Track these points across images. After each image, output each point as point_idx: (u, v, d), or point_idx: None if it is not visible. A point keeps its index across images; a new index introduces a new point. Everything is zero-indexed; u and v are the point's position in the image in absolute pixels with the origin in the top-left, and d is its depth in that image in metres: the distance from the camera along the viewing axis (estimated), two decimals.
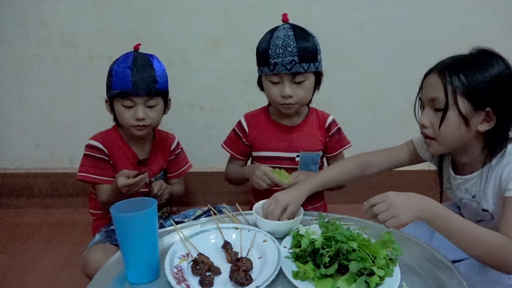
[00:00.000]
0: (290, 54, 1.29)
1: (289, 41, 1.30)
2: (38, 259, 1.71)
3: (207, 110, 2.12)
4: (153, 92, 1.37)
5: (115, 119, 1.46)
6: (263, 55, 1.34)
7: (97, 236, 1.39)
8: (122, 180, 1.26)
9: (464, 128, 0.97)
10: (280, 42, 1.31)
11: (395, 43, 2.02)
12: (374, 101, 2.12)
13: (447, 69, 0.96)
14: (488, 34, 1.96)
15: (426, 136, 1.04)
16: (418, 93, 1.05)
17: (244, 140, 1.52)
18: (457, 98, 0.94)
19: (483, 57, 0.97)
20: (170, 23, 1.98)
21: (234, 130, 1.55)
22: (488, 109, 0.95)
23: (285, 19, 1.39)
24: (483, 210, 1.06)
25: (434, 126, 1.00)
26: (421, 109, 1.06)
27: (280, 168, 1.36)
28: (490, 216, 1.06)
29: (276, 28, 1.36)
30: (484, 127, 0.97)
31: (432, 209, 0.90)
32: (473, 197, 1.08)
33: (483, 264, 0.94)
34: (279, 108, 1.41)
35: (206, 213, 1.49)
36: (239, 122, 1.54)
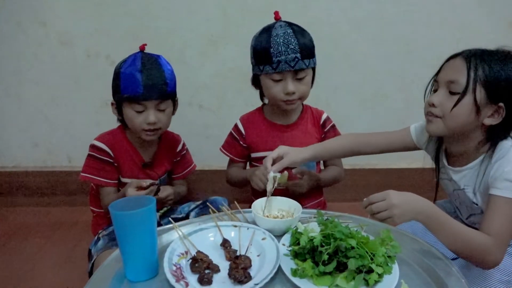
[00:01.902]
0: (292, 51, 1.31)
1: (290, 38, 1.32)
2: (37, 258, 1.71)
3: (205, 109, 2.12)
4: (164, 95, 1.33)
5: (120, 120, 1.43)
6: (264, 54, 1.34)
7: (101, 241, 1.36)
8: (131, 191, 1.26)
9: (474, 116, 0.99)
10: (281, 40, 1.32)
11: (393, 41, 2.02)
12: (372, 99, 2.12)
13: (474, 56, 0.99)
14: (485, 32, 1.96)
15: (430, 114, 1.05)
16: (435, 75, 1.07)
17: (241, 142, 1.53)
18: (477, 85, 0.97)
19: (510, 56, 0.99)
20: (168, 22, 1.98)
21: (231, 133, 1.56)
22: (501, 104, 0.97)
23: (277, 17, 1.39)
24: (474, 203, 1.08)
25: (443, 107, 1.01)
26: (432, 92, 1.08)
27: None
28: (480, 210, 1.08)
29: (272, 27, 1.36)
30: (489, 121, 1.00)
31: (426, 210, 0.93)
32: (462, 189, 1.10)
33: (466, 261, 0.99)
34: (281, 105, 1.40)
35: (200, 206, 1.50)
36: (236, 125, 1.54)
